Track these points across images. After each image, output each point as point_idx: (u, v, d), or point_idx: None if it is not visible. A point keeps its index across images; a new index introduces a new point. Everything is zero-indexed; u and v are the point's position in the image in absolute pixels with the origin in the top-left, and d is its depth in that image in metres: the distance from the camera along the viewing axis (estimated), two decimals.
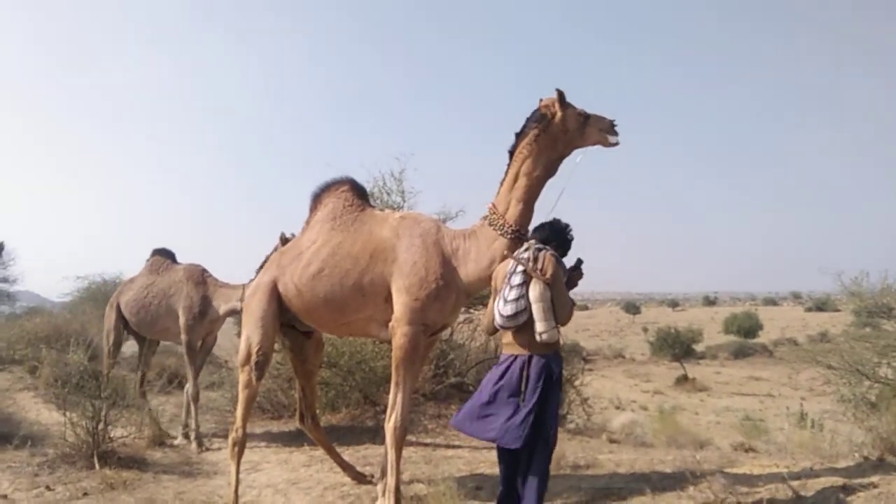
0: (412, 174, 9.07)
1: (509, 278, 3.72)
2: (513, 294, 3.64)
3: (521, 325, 3.65)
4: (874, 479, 4.21)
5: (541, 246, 3.79)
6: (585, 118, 4.15)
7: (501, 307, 3.67)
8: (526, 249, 3.78)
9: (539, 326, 3.58)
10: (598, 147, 4.22)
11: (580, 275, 3.92)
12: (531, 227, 4.17)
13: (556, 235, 3.92)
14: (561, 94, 4.15)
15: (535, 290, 3.61)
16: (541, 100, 4.28)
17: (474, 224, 4.48)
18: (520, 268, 3.69)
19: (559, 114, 4.16)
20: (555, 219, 4.01)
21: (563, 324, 3.72)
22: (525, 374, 3.63)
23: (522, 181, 4.22)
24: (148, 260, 8.09)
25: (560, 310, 3.66)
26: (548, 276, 3.63)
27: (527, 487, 3.62)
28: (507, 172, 4.33)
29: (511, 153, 4.30)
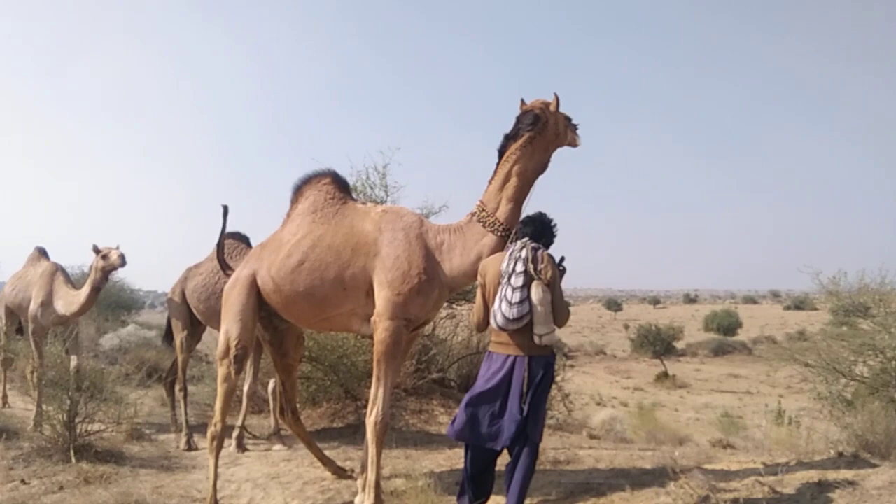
0: (396, 168, 9.04)
1: (509, 278, 3.64)
2: (517, 296, 3.57)
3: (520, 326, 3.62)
4: (849, 475, 4.27)
5: (536, 245, 3.75)
6: (568, 120, 4.22)
7: (506, 309, 3.59)
8: (522, 247, 3.71)
9: (539, 329, 3.57)
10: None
11: (563, 271, 3.93)
12: None
13: (546, 230, 3.89)
14: (558, 99, 4.20)
15: (536, 293, 3.57)
16: (522, 101, 4.29)
17: (461, 220, 4.47)
18: (520, 267, 3.62)
19: (551, 117, 4.19)
20: (540, 213, 3.98)
21: (561, 326, 3.71)
22: (528, 375, 3.59)
23: (514, 181, 4.22)
24: (218, 244, 7.30)
25: (558, 312, 3.66)
26: (548, 277, 3.61)
27: (513, 483, 3.63)
28: (496, 171, 4.32)
29: (501, 152, 4.30)
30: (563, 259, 3.93)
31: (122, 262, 7.26)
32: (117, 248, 7.43)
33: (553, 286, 3.63)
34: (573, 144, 4.26)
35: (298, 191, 5.02)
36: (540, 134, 4.18)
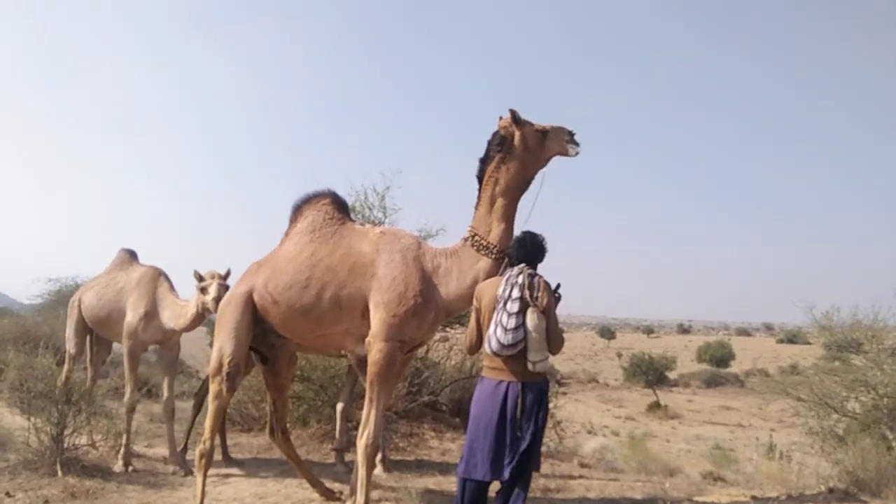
0: (396, 191, 9.07)
1: (505, 304, 3.63)
2: (512, 322, 3.56)
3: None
4: None
5: (533, 272, 3.75)
6: (543, 133, 4.25)
7: (501, 335, 3.57)
8: (519, 273, 3.71)
9: (533, 356, 3.56)
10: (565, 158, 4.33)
11: (559, 298, 3.94)
12: None
13: (536, 250, 3.88)
14: (514, 114, 4.25)
15: (531, 320, 3.57)
16: (501, 118, 4.36)
17: (455, 244, 4.50)
18: (515, 293, 3.62)
19: (517, 133, 4.26)
20: (528, 233, 3.95)
21: (555, 353, 3.70)
22: (521, 402, 3.57)
23: (501, 201, 4.30)
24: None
25: (553, 340, 3.65)
26: (544, 305, 3.62)
27: None
28: (480, 196, 4.40)
29: (479, 178, 4.39)
30: (559, 286, 3.94)
31: (216, 305, 5.56)
32: (225, 277, 6.14)
33: (548, 313, 3.64)
34: (565, 154, 4.29)
35: (298, 210, 5.05)
36: (509, 153, 4.26)
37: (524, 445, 3.54)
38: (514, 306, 3.59)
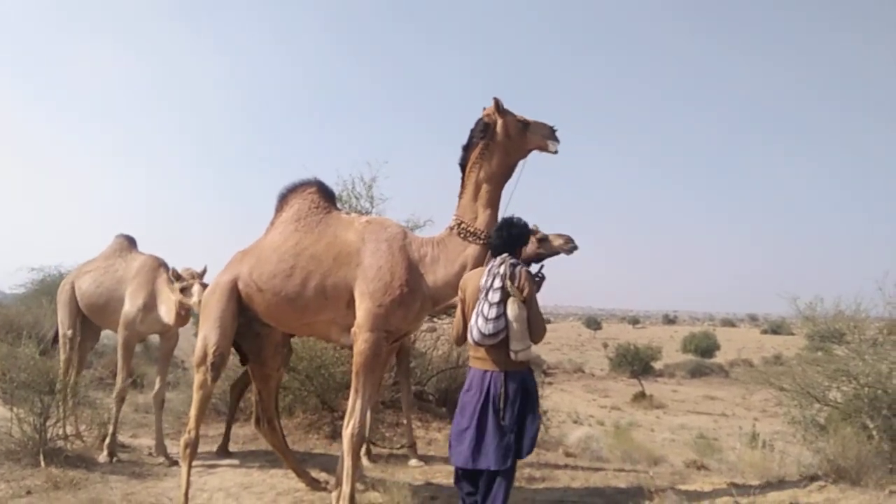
0: (383, 181, 9.08)
1: (486, 294, 3.66)
2: (493, 312, 3.59)
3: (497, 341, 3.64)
4: (820, 498, 4.32)
5: (515, 262, 3.76)
6: (525, 125, 4.32)
7: (482, 325, 3.61)
8: (501, 263, 3.73)
9: (515, 345, 3.60)
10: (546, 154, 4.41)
11: (542, 278, 3.97)
12: None
13: (517, 238, 3.89)
14: (497, 102, 4.31)
15: (512, 309, 3.60)
16: (484, 108, 4.40)
17: (441, 233, 4.50)
18: (497, 283, 3.65)
19: (499, 121, 4.31)
20: (506, 220, 3.95)
21: (537, 342, 3.73)
22: (503, 391, 3.61)
23: (486, 187, 4.34)
24: None
25: (534, 328, 3.68)
26: (525, 293, 3.64)
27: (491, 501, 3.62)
28: (464, 183, 4.43)
29: (462, 166, 4.43)
30: (542, 266, 3.97)
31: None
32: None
33: (530, 303, 3.66)
34: (545, 149, 4.36)
35: (283, 199, 5.03)
36: (492, 140, 4.32)
37: (509, 434, 3.56)
38: (495, 296, 3.62)
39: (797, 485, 4.83)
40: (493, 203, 4.35)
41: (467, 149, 4.41)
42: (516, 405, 3.61)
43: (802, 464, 5.46)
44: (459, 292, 3.95)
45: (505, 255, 3.80)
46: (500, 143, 4.32)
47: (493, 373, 3.66)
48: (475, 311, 3.70)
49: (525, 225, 3.95)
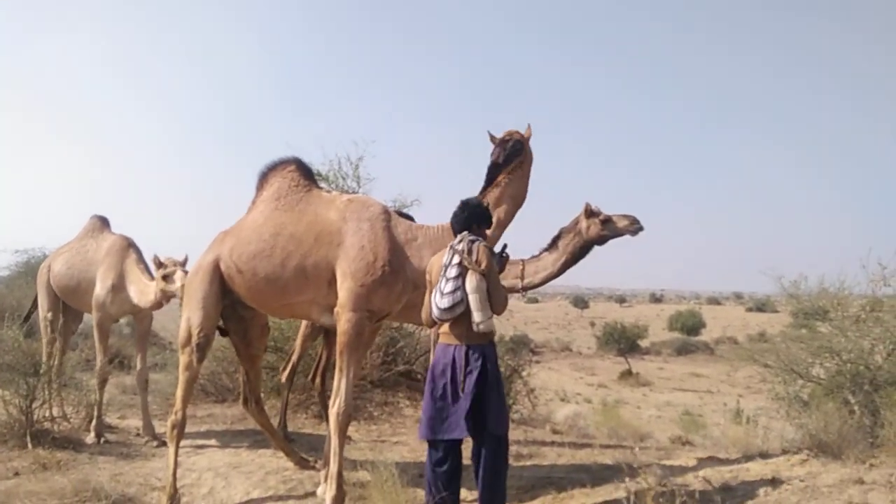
0: (370, 161, 9.01)
1: (445, 270, 3.74)
2: (449, 286, 3.67)
3: (457, 316, 3.68)
4: (802, 472, 4.38)
5: (474, 238, 3.82)
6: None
7: (438, 300, 3.70)
8: (460, 241, 3.80)
9: (476, 317, 3.65)
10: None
11: (506, 258, 3.98)
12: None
13: (475, 216, 3.93)
14: (530, 130, 4.57)
15: (471, 282, 3.66)
16: (491, 134, 4.56)
17: (444, 223, 4.42)
18: (455, 259, 3.72)
19: (528, 146, 4.55)
20: (465, 201, 4.02)
21: (499, 313, 3.79)
22: (464, 363, 3.66)
23: (506, 206, 4.48)
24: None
25: (495, 300, 3.73)
26: (483, 267, 3.68)
27: (480, 481, 3.66)
28: (485, 193, 4.51)
29: (490, 178, 4.52)
30: (504, 247, 3.99)
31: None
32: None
33: (489, 275, 3.70)
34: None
35: (263, 177, 4.98)
36: (526, 161, 4.51)
37: (465, 403, 3.61)
38: (452, 271, 3.70)
39: (780, 459, 4.90)
40: (506, 224, 4.49)
41: (500, 164, 4.50)
42: (474, 375, 3.65)
43: (785, 439, 5.53)
44: (427, 275, 3.99)
45: (465, 233, 3.86)
46: (529, 167, 4.54)
47: (456, 346, 3.73)
48: (436, 287, 3.78)
49: (480, 203, 4.05)
